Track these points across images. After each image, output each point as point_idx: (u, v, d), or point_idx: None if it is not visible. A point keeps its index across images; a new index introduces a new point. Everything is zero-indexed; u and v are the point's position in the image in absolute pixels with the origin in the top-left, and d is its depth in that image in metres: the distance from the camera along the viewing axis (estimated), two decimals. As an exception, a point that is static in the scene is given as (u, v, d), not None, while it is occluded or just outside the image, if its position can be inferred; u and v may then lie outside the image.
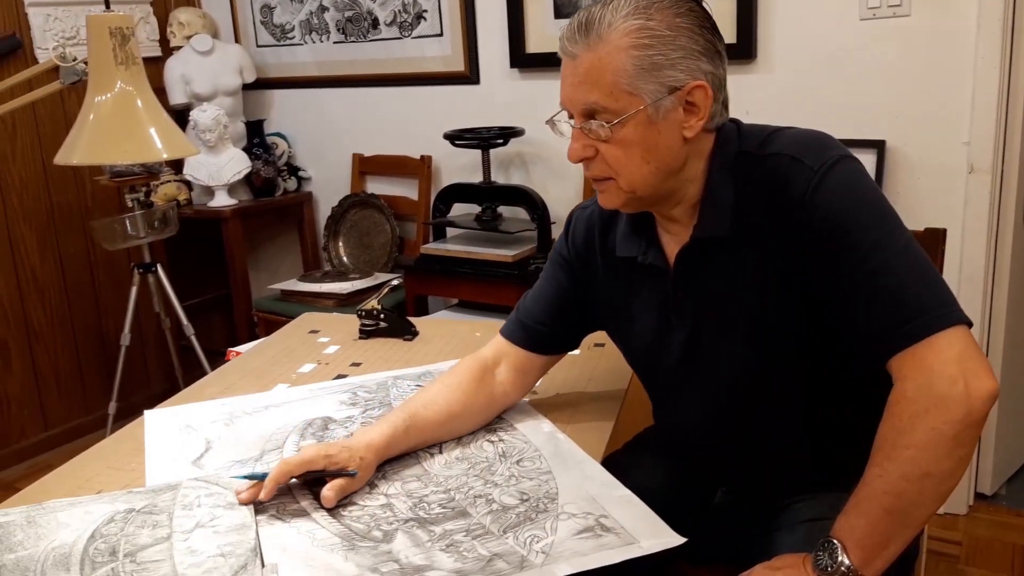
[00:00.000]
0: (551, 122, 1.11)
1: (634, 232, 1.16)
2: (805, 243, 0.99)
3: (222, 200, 3.16)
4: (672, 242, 1.13)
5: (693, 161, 1.06)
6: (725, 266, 1.07)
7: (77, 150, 1.12)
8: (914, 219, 2.28)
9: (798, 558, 0.98)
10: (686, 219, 1.09)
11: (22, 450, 2.96)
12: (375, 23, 3.06)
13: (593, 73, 1.01)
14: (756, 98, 2.42)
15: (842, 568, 0.93)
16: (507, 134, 2.68)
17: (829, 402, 1.09)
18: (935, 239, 1.34)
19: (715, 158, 1.07)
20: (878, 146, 2.27)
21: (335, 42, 3.16)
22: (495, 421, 1.28)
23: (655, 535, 0.97)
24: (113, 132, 1.13)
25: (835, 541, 0.94)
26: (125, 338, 2.85)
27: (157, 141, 1.16)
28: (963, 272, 2.20)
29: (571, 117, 1.07)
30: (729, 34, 2.40)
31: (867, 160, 2.29)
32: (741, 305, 1.06)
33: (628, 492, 1.06)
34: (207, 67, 3.20)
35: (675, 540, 0.96)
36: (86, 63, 1.15)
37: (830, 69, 2.34)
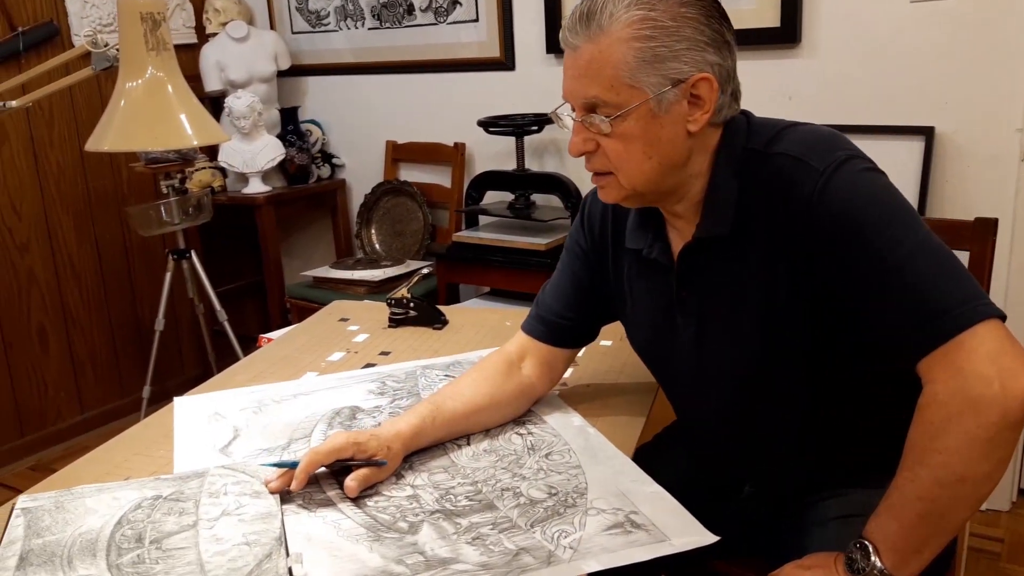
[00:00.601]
0: (555, 115, 1.08)
1: (642, 225, 1.14)
2: (814, 245, 0.95)
3: (256, 187, 3.17)
4: (677, 238, 1.10)
5: (698, 156, 1.03)
6: (729, 264, 1.04)
7: (108, 136, 1.12)
8: (963, 208, 2.23)
9: (829, 557, 0.95)
10: (690, 215, 1.06)
11: (59, 432, 3.00)
12: (410, 9, 3.03)
13: (594, 65, 0.98)
14: (800, 84, 2.36)
15: (875, 571, 0.90)
16: (541, 121, 2.65)
17: (830, 402, 1.06)
18: (985, 229, 1.29)
19: (720, 154, 1.03)
20: (926, 133, 2.20)
21: (370, 28, 3.15)
22: (524, 414, 1.26)
23: (686, 533, 0.94)
24: (144, 118, 1.12)
25: (868, 543, 0.91)
26: (159, 323, 2.87)
27: (187, 127, 1.15)
28: (1013, 263, 2.14)
29: (573, 110, 1.04)
30: (773, 17, 2.34)
31: (914, 147, 2.22)
32: (745, 305, 1.03)
33: (659, 488, 1.03)
34: (242, 54, 3.21)
35: (707, 539, 0.93)
36: (118, 49, 1.14)
37: (877, 54, 2.27)
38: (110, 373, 3.16)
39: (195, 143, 1.21)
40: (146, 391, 2.92)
